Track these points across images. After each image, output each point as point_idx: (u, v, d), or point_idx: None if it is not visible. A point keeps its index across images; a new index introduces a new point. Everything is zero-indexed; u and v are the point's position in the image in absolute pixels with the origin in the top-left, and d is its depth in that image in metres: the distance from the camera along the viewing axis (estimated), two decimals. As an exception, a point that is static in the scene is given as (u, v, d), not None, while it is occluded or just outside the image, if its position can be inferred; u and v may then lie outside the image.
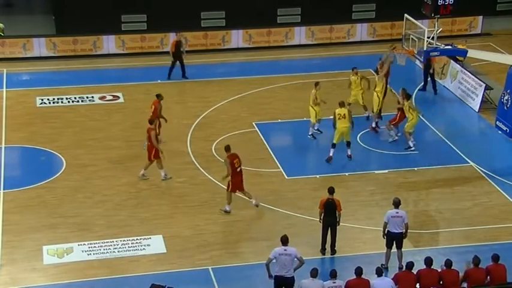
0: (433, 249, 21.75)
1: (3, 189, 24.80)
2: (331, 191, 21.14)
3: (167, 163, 26.24)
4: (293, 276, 18.99)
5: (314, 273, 18.15)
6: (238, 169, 23.20)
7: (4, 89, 32.24)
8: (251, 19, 37.17)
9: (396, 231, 20.59)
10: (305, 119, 28.47)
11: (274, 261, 18.99)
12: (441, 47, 30.54)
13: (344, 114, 26.09)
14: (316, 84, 27.78)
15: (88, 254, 21.63)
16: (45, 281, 20.59)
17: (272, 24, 37.80)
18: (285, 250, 18.94)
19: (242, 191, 23.52)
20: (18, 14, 40.35)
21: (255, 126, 28.89)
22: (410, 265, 18.66)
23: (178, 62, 33.01)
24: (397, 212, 20.60)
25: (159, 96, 27.41)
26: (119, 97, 31.65)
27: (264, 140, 28.00)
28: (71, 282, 20.52)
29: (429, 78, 32.20)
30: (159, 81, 33.01)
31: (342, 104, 26.36)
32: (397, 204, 20.68)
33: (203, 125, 29.18)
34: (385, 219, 20.63)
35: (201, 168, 26.11)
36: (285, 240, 19.08)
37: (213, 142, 27.73)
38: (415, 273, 18.61)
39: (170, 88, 32.06)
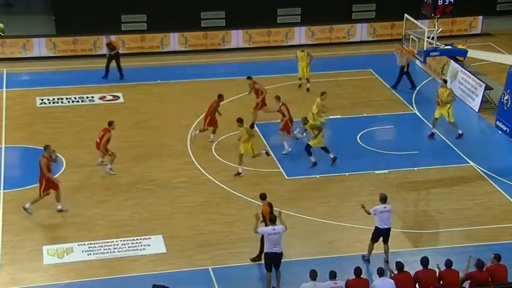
0: (433, 249, 21.72)
1: (3, 189, 24.78)
2: (263, 196, 21.36)
3: (167, 163, 26.27)
4: (281, 252, 19.73)
5: (314, 276, 18.10)
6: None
7: (4, 89, 32.22)
8: (251, 19, 37.15)
9: (384, 226, 20.77)
10: (305, 119, 28.40)
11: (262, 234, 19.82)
12: (441, 47, 30.55)
13: None
14: (323, 93, 27.64)
15: (88, 254, 21.61)
16: (45, 281, 20.57)
17: (272, 24, 37.77)
18: (273, 230, 19.63)
19: (56, 191, 23.45)
20: (18, 14, 40.29)
21: (255, 126, 28.85)
22: (400, 265, 18.54)
23: (115, 63, 33.03)
24: (385, 207, 20.75)
25: (220, 96, 27.79)
26: (118, 97, 31.62)
27: (264, 140, 27.98)
28: (71, 282, 20.51)
29: (405, 76, 31.95)
30: (159, 81, 32.99)
31: None
32: (384, 199, 20.82)
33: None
34: (372, 211, 20.74)
35: (201, 168, 26.09)
36: (273, 219, 19.77)
37: (213, 142, 27.72)
38: (411, 273, 18.54)
39: (170, 88, 32.03)
